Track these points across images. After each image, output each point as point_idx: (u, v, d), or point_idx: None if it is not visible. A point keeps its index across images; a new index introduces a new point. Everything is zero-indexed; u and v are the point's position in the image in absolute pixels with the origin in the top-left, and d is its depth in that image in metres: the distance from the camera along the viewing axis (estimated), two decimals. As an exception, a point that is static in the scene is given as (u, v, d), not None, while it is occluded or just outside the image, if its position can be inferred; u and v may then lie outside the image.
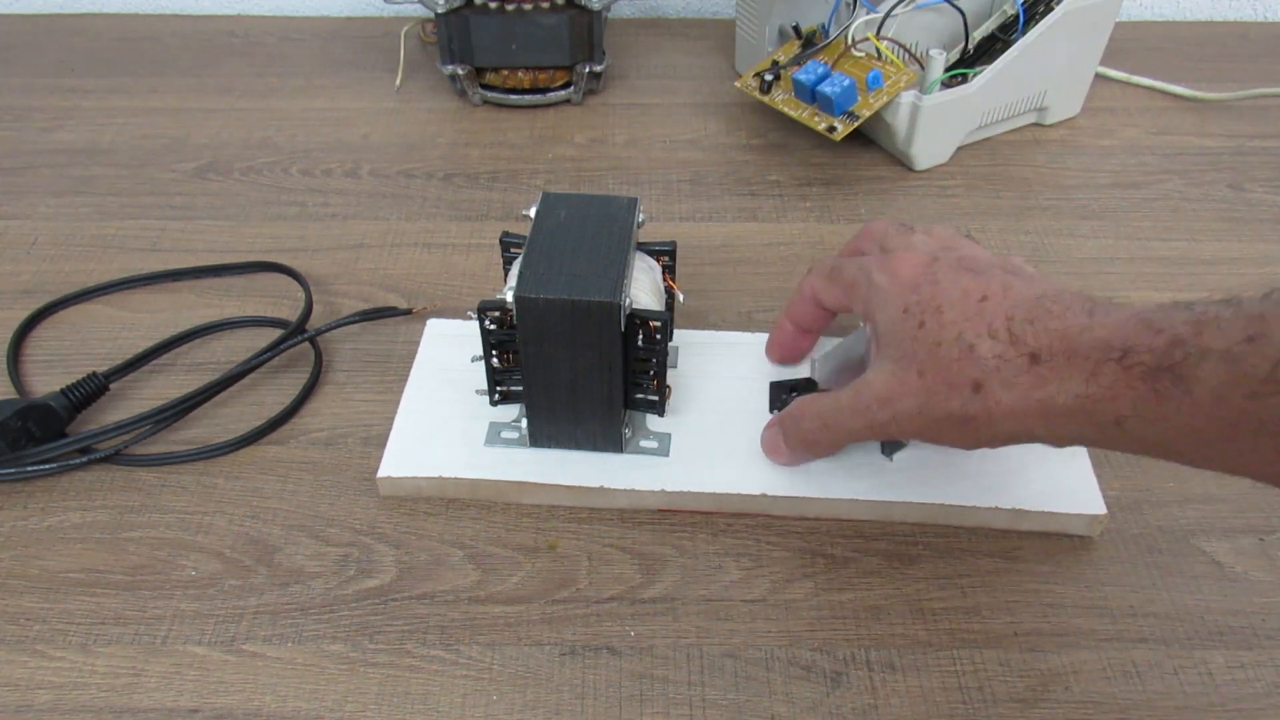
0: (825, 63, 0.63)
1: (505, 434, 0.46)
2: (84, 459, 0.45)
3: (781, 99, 0.65)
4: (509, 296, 0.39)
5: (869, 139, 0.69)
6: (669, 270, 0.45)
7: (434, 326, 0.51)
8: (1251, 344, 0.28)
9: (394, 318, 0.54)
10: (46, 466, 0.45)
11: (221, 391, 0.49)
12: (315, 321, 0.54)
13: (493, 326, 0.41)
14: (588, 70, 0.72)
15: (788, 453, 0.43)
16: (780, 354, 0.48)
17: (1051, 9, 0.64)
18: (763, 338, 0.51)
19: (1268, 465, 0.29)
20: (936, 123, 0.64)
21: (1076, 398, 0.32)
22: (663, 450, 0.45)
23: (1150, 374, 0.30)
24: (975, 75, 0.64)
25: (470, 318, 0.41)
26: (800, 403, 0.42)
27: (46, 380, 0.50)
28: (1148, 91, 0.76)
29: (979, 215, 0.63)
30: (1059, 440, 0.34)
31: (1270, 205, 0.64)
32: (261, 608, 0.41)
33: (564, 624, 0.40)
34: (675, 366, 0.49)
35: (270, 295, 0.56)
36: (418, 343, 0.50)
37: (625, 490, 0.44)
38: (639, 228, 0.43)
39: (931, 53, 0.62)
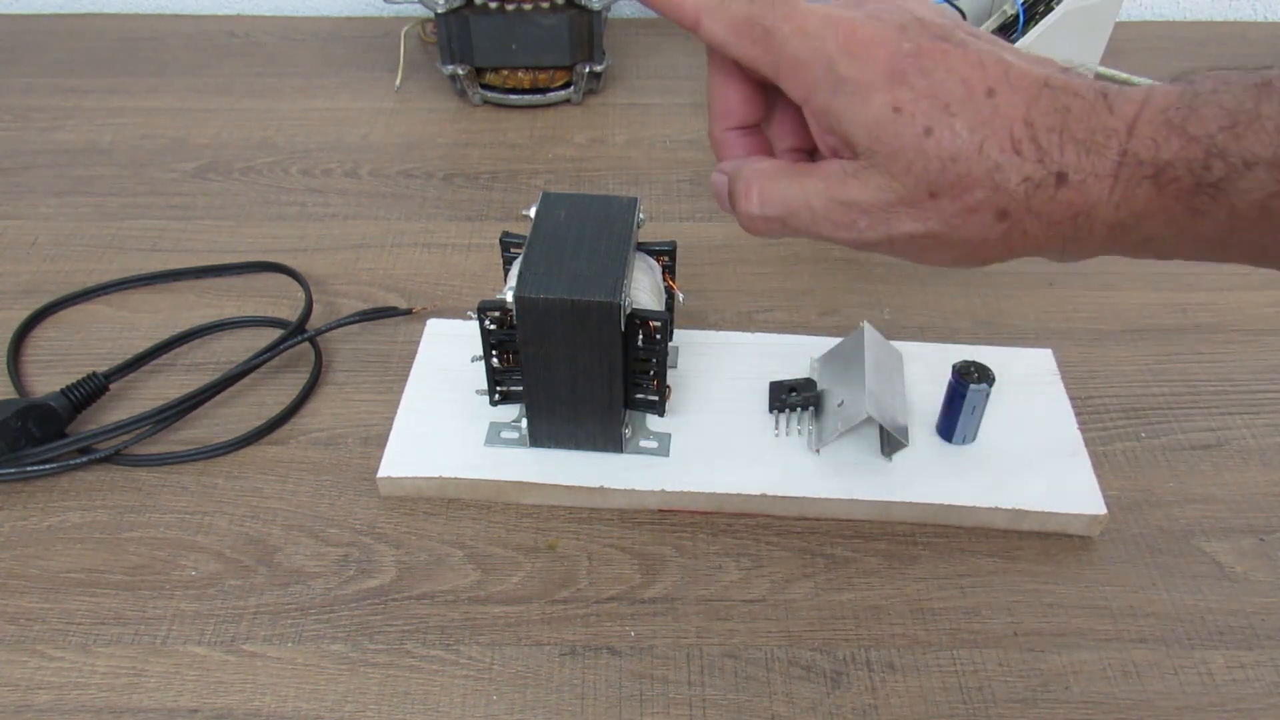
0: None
1: (505, 434, 0.46)
2: (84, 459, 0.45)
3: (781, 99, 0.65)
4: (509, 296, 0.39)
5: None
6: (669, 270, 0.45)
7: (434, 326, 0.51)
8: None
9: (394, 318, 0.54)
10: (46, 466, 0.45)
11: (221, 391, 0.49)
12: (315, 321, 0.54)
13: (493, 326, 0.41)
14: (588, 70, 0.72)
15: (730, 209, 0.35)
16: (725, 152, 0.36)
17: (1051, 9, 0.64)
18: (763, 338, 0.51)
19: None
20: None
21: (1105, 224, 0.29)
22: (663, 450, 0.45)
23: (1187, 193, 0.27)
24: (975, 75, 0.64)
25: (470, 318, 0.41)
26: (759, 177, 0.33)
27: (46, 380, 0.50)
28: (1148, 91, 0.76)
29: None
30: (1071, 259, 0.31)
31: (1270, 205, 0.64)
32: (261, 608, 0.41)
33: (564, 624, 0.40)
34: (675, 366, 0.49)
35: (270, 295, 0.56)
36: (418, 343, 0.50)
37: (625, 490, 0.44)
38: (639, 228, 0.43)
39: (931, 53, 0.62)
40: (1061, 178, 0.28)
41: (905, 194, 0.30)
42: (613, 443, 0.44)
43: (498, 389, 0.43)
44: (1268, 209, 0.26)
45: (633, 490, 0.43)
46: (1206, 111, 0.26)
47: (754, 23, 0.31)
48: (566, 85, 0.73)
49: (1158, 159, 0.27)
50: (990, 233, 0.30)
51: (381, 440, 0.46)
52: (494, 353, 0.42)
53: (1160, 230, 0.28)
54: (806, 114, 0.32)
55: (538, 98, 0.73)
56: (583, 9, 0.69)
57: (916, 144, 0.29)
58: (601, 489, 0.44)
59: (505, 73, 0.72)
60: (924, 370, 0.48)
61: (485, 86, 0.73)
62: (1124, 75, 0.76)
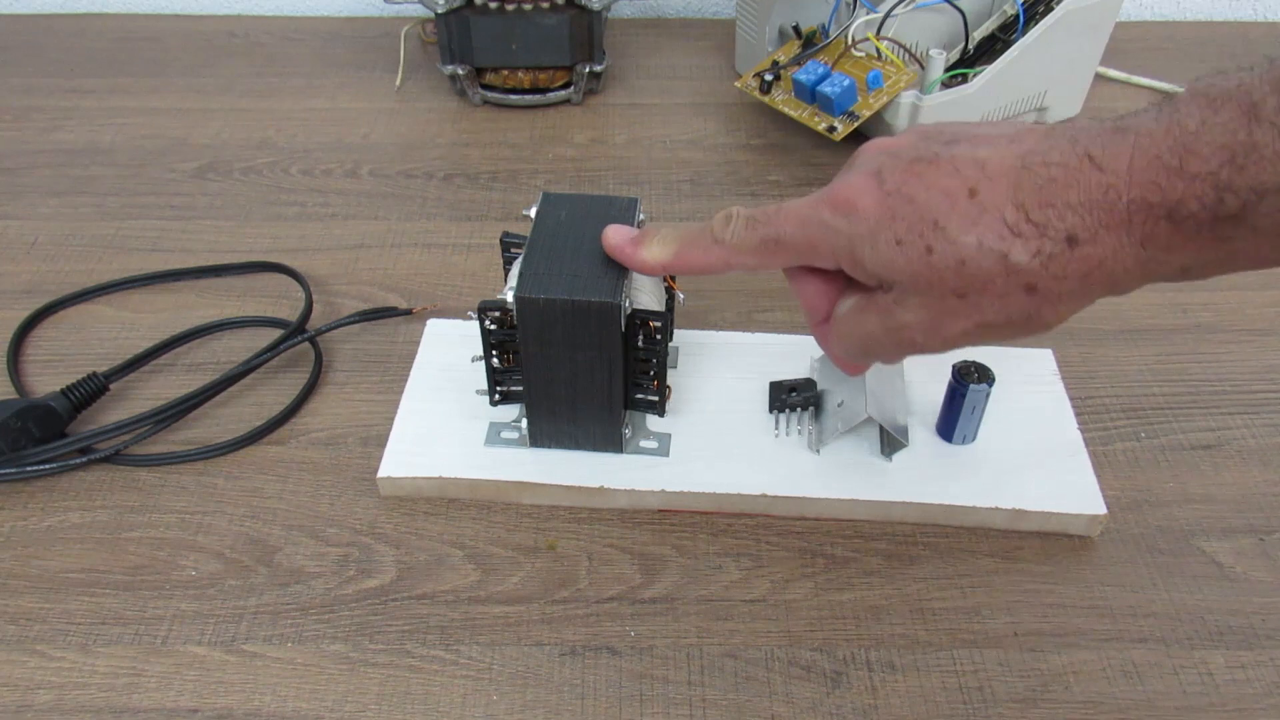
0: (825, 63, 0.63)
1: (505, 434, 0.46)
2: (84, 459, 0.45)
3: (781, 99, 0.65)
4: (509, 296, 0.39)
5: (869, 139, 0.69)
6: (669, 270, 0.45)
7: (434, 326, 0.51)
8: None
9: (394, 318, 0.54)
10: (46, 466, 0.45)
11: (221, 391, 0.49)
12: (315, 321, 0.54)
13: (493, 326, 0.41)
14: (588, 70, 0.72)
15: (642, 261, 0.39)
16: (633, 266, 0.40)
17: (1051, 9, 0.64)
18: (763, 338, 0.51)
19: None
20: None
21: (1136, 262, 0.29)
22: (663, 450, 0.45)
23: (1208, 226, 0.27)
24: (975, 75, 0.64)
25: (470, 318, 0.41)
26: (834, 324, 0.37)
27: (46, 380, 0.50)
28: (1148, 91, 0.76)
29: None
30: (1124, 293, 0.32)
31: (1270, 205, 0.64)
32: (261, 608, 0.41)
33: (564, 624, 0.40)
34: (675, 366, 0.49)
35: (270, 295, 0.56)
36: (418, 343, 0.50)
37: (625, 490, 0.44)
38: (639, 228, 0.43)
39: (931, 53, 0.62)
40: (1072, 240, 0.30)
41: (939, 305, 0.32)
42: (613, 443, 0.44)
43: (498, 389, 0.43)
44: None
45: (633, 490, 0.43)
46: (1202, 150, 0.27)
47: (765, 241, 0.35)
48: (566, 85, 0.73)
49: (1166, 200, 0.28)
50: (1029, 306, 0.32)
51: (381, 440, 0.46)
52: (494, 353, 0.42)
53: (1193, 259, 0.29)
54: (848, 272, 0.35)
55: (538, 98, 0.73)
56: (583, 9, 0.69)
57: (925, 265, 0.32)
58: (601, 489, 0.44)
59: (505, 73, 0.72)
60: (924, 370, 0.48)
61: (485, 86, 0.73)
62: (1123, 75, 0.76)
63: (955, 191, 0.31)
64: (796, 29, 0.67)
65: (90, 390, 0.48)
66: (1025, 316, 0.32)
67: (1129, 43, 0.80)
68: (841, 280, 0.38)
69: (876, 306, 0.34)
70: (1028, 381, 0.48)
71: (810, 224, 0.34)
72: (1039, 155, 0.30)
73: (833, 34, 0.65)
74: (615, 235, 0.40)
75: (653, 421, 0.46)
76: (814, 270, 0.37)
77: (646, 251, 0.39)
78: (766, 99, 0.66)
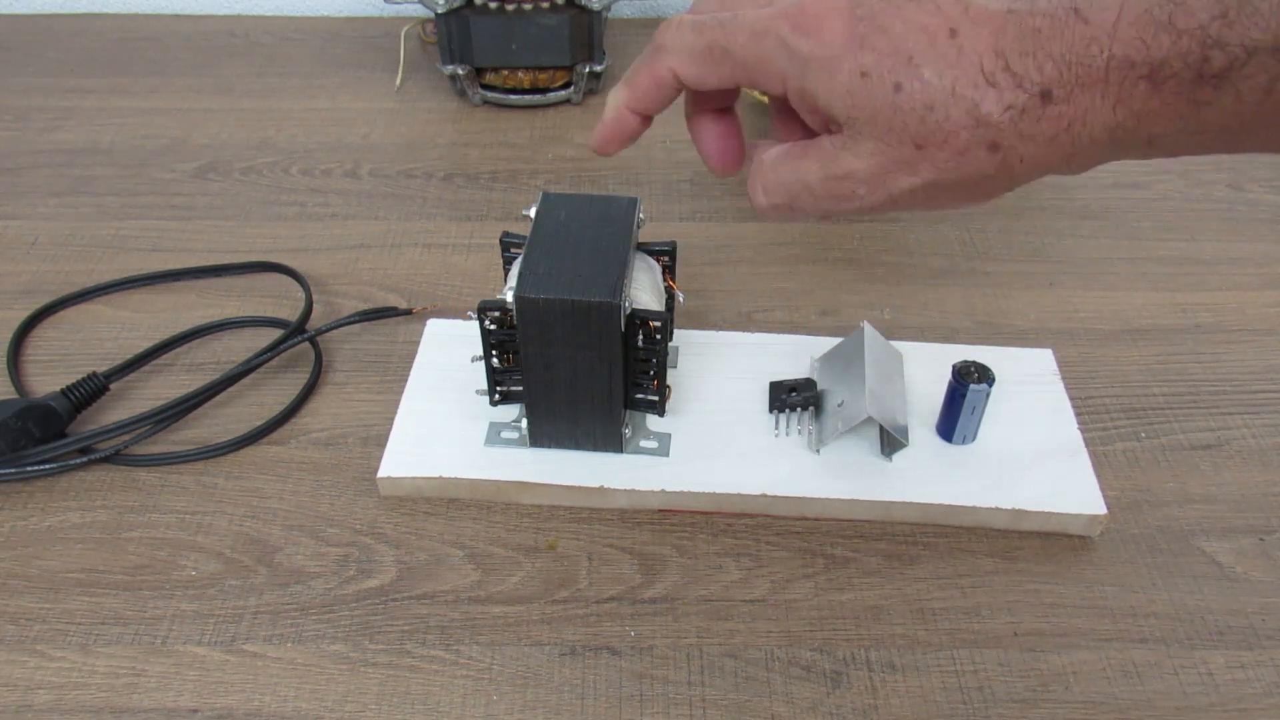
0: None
1: (505, 434, 0.46)
2: (84, 459, 0.45)
3: (781, 99, 0.65)
4: (509, 296, 0.39)
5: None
6: (669, 270, 0.45)
7: (434, 326, 0.51)
8: None
9: (394, 318, 0.54)
10: (46, 466, 0.45)
11: (221, 391, 0.49)
12: (315, 321, 0.54)
13: (493, 326, 0.41)
14: (588, 70, 0.72)
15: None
16: (615, 143, 0.38)
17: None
18: (763, 338, 0.51)
19: None
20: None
21: (1104, 129, 0.28)
22: (663, 450, 0.45)
23: (1188, 86, 0.26)
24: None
25: (470, 318, 0.41)
26: (761, 168, 0.34)
27: (46, 380, 0.50)
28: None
29: (979, 215, 0.63)
30: (1078, 171, 0.31)
31: (1269, 205, 0.64)
32: (261, 608, 0.41)
33: (564, 624, 0.40)
34: (675, 366, 0.49)
35: (270, 295, 0.56)
36: (418, 343, 0.50)
37: (625, 490, 0.44)
38: (639, 228, 0.43)
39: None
40: (1046, 96, 0.28)
41: (894, 153, 0.30)
42: (613, 443, 0.44)
43: (498, 389, 0.43)
44: (1273, 91, 0.26)
45: (633, 490, 0.43)
46: (1193, 3, 0.26)
47: (712, 48, 0.32)
48: (566, 85, 0.73)
49: (1150, 58, 0.27)
50: (987, 166, 0.30)
51: (381, 440, 0.46)
52: (494, 353, 0.42)
53: (1164, 128, 0.28)
54: (791, 103, 0.32)
55: (538, 98, 0.73)
56: (583, 9, 0.69)
57: (890, 103, 0.29)
58: (601, 489, 0.44)
59: (505, 73, 0.72)
60: (924, 370, 0.48)
61: (485, 86, 0.73)
62: None
63: (935, 29, 0.29)
64: (796, 29, 0.67)
65: (90, 390, 0.48)
66: (979, 178, 0.30)
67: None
68: (738, 128, 0.36)
69: (819, 151, 0.32)
70: (1028, 381, 0.48)
71: (765, 38, 0.31)
72: (1027, 3, 0.29)
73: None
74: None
75: (653, 421, 0.46)
76: (718, 113, 0.36)
77: (609, 101, 0.37)
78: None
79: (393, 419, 0.46)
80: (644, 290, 0.42)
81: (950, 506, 0.43)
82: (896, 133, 0.30)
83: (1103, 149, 0.29)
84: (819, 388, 0.46)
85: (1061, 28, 0.28)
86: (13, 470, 0.44)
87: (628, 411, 0.44)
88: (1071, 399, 0.48)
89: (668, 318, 0.40)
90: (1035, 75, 0.28)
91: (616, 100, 0.36)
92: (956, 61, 0.29)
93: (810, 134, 0.34)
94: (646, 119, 0.37)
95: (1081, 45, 0.27)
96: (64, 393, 0.47)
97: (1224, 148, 0.28)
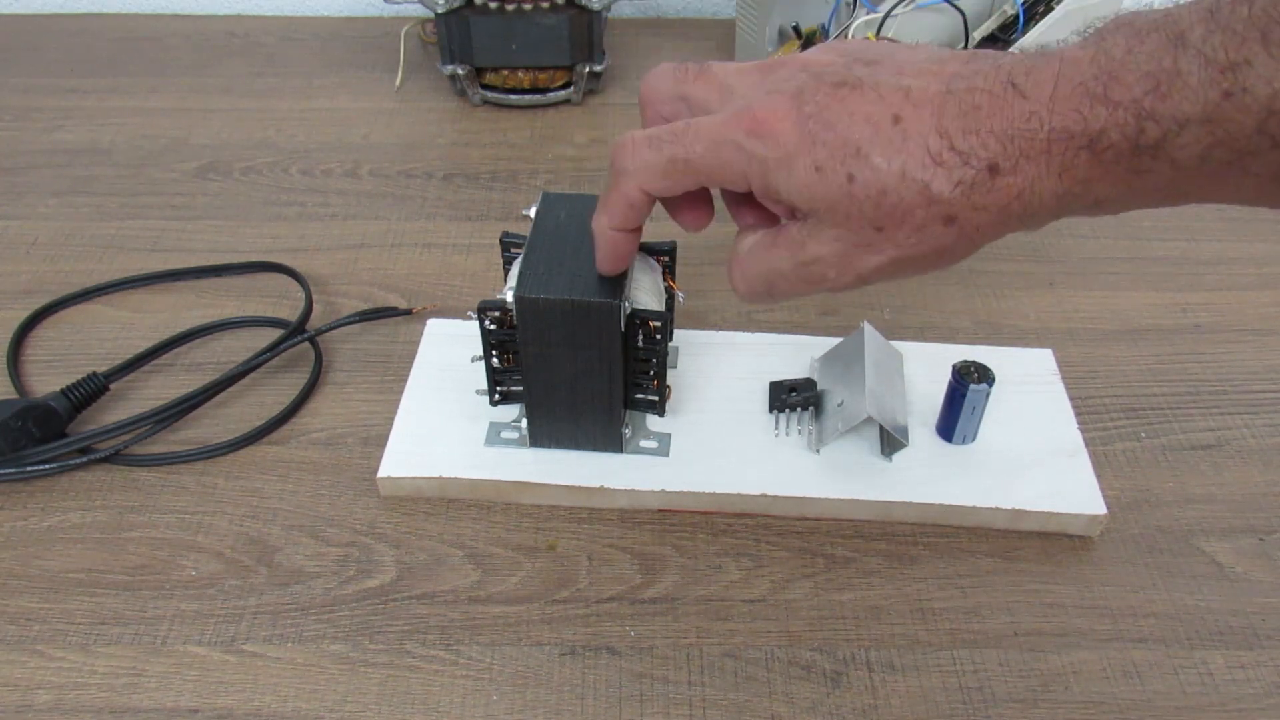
0: (825, 63, 0.63)
1: (505, 434, 0.46)
2: (84, 459, 0.45)
3: (781, 99, 0.65)
4: (509, 296, 0.39)
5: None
6: (669, 270, 0.45)
7: (434, 326, 0.51)
8: (1230, 100, 0.25)
9: (394, 318, 0.54)
10: (46, 466, 0.45)
11: (221, 391, 0.49)
12: (315, 321, 0.54)
13: (493, 326, 0.41)
14: (588, 70, 0.72)
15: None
16: (622, 260, 0.39)
17: (1051, 9, 0.64)
18: (763, 338, 0.51)
19: (1251, 195, 0.28)
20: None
21: (1053, 195, 0.29)
22: (663, 450, 0.45)
23: (1127, 156, 0.27)
24: (975, 75, 0.64)
25: (470, 318, 0.41)
26: (737, 259, 0.36)
27: (46, 380, 0.50)
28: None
29: (979, 215, 0.63)
30: (1036, 229, 0.32)
31: (1270, 205, 0.64)
32: (261, 608, 0.41)
33: (564, 624, 0.40)
34: (675, 366, 0.49)
35: (270, 295, 0.56)
36: (418, 343, 0.50)
37: (625, 490, 0.44)
38: (639, 228, 0.43)
39: (931, 53, 0.62)
40: (994, 169, 0.29)
41: (855, 238, 0.31)
42: (613, 443, 0.44)
43: (498, 389, 0.43)
44: (1208, 159, 0.26)
45: (633, 490, 0.43)
46: (1126, 77, 0.27)
47: (674, 161, 0.34)
48: (566, 85, 0.73)
49: (1088, 129, 0.28)
50: (945, 239, 0.31)
51: (381, 440, 0.46)
52: (494, 353, 0.42)
53: (1108, 192, 0.29)
54: (758, 198, 0.34)
55: (538, 98, 0.73)
56: (583, 9, 0.69)
57: (846, 193, 0.31)
58: (601, 489, 0.44)
59: (505, 73, 0.72)
60: (924, 370, 0.48)
61: (485, 86, 0.73)
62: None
63: (879, 118, 0.30)
64: (796, 29, 0.67)
65: (90, 390, 0.48)
66: (940, 249, 0.31)
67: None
68: (708, 193, 0.37)
69: (787, 240, 0.33)
70: (1028, 381, 0.48)
71: (723, 146, 0.32)
72: (964, 80, 0.30)
73: (833, 34, 0.65)
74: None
75: (653, 421, 0.46)
76: (691, 197, 0.37)
77: (594, 227, 0.38)
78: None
79: (393, 419, 0.46)
80: (644, 290, 0.42)
81: (950, 506, 0.43)
82: (855, 219, 0.31)
83: (1053, 212, 0.30)
84: (819, 388, 0.46)
85: (1000, 103, 0.29)
86: (13, 470, 0.44)
87: (628, 411, 0.44)
88: (1071, 399, 0.48)
89: (668, 318, 0.40)
90: (980, 151, 0.29)
91: (600, 225, 0.38)
92: (903, 146, 0.30)
93: (772, 217, 0.36)
94: (636, 230, 0.38)
95: (1021, 119, 0.28)
96: (64, 393, 0.47)
97: (1170, 204, 0.29)
